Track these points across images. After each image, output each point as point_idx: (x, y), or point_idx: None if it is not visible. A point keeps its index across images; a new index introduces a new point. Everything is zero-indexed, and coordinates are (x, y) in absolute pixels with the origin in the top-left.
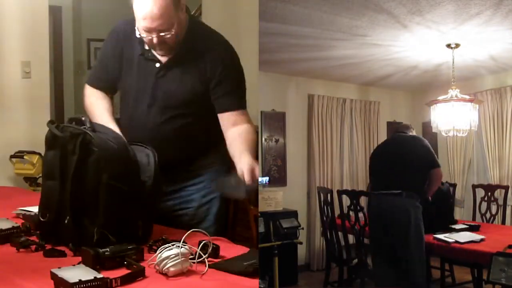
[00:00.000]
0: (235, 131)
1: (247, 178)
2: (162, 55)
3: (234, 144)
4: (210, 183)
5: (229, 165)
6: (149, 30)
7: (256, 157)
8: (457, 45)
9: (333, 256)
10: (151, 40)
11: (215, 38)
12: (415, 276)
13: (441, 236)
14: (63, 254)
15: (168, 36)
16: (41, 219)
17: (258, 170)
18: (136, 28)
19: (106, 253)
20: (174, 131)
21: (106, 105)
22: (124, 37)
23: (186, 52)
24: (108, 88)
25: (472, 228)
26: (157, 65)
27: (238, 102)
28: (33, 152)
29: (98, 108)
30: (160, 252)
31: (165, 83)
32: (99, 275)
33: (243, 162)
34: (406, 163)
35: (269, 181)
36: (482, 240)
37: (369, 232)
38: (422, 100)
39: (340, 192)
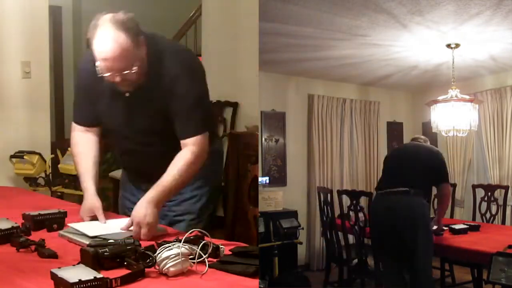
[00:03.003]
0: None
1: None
2: (125, 89)
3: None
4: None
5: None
6: (110, 70)
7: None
8: (457, 45)
9: (333, 256)
10: (113, 78)
11: (175, 56)
12: (424, 276)
13: None
14: (54, 256)
15: (130, 73)
16: None
17: (154, 226)
18: (97, 67)
19: (105, 253)
20: (158, 155)
21: (92, 153)
22: (92, 73)
23: (151, 79)
24: (92, 121)
25: (472, 228)
26: (127, 94)
27: (189, 128)
28: (33, 152)
29: (83, 160)
30: (160, 252)
31: (137, 111)
32: (99, 275)
33: (137, 211)
34: (417, 165)
35: (269, 181)
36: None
37: (371, 232)
38: (422, 100)
39: (340, 192)
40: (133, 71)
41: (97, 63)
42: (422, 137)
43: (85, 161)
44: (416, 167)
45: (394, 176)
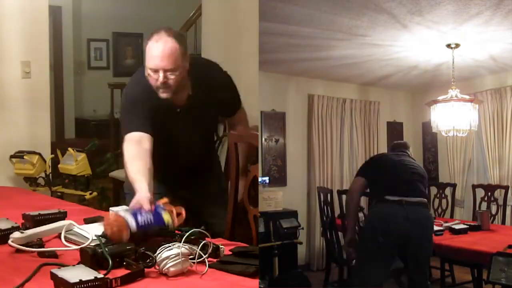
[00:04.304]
0: None
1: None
2: (165, 94)
3: None
4: None
5: None
6: (156, 69)
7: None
8: (457, 45)
9: (333, 256)
10: (157, 79)
11: (215, 67)
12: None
13: None
14: (54, 256)
15: (172, 76)
16: None
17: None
18: (145, 74)
19: (103, 253)
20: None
21: (146, 162)
22: (147, 86)
23: (199, 92)
24: (146, 131)
25: (472, 228)
26: (178, 110)
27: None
28: (33, 152)
29: (138, 167)
30: (160, 252)
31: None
32: (99, 275)
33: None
34: (416, 175)
35: (269, 181)
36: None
37: (370, 241)
38: (422, 100)
39: (340, 192)
40: (176, 74)
41: (146, 66)
42: (405, 142)
43: (142, 168)
44: (417, 178)
45: (399, 181)
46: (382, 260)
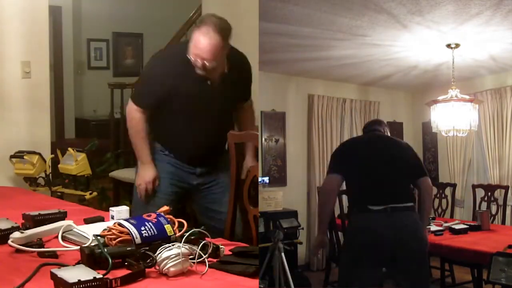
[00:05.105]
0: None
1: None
2: (200, 72)
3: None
4: None
5: None
6: (197, 58)
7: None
8: (457, 45)
9: (333, 256)
10: (197, 61)
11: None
12: None
13: None
14: (54, 256)
15: (212, 64)
16: None
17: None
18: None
19: (102, 253)
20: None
21: (145, 131)
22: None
23: (230, 74)
24: (153, 105)
25: (472, 228)
26: (208, 82)
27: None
28: (33, 152)
29: (141, 138)
30: (160, 252)
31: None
32: (99, 275)
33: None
34: (396, 168)
35: (269, 181)
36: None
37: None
38: (422, 100)
39: (340, 192)
40: (214, 63)
41: (194, 53)
42: (379, 119)
43: (143, 138)
44: (399, 173)
45: (381, 184)
46: (369, 272)
